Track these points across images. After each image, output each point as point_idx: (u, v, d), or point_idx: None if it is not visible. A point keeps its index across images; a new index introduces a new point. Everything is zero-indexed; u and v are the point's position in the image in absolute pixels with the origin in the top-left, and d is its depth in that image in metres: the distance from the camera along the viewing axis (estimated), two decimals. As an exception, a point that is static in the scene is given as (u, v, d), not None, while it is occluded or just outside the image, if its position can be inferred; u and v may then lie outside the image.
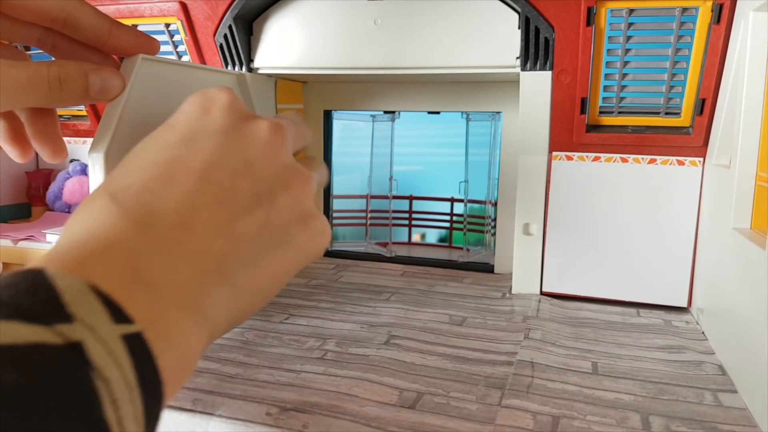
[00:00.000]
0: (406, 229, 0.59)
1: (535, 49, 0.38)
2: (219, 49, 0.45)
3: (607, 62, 0.38)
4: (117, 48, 0.28)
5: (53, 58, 0.28)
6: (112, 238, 0.18)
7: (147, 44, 0.29)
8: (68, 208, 0.60)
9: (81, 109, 0.57)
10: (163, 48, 0.48)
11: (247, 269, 0.21)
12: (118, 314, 0.15)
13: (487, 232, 0.54)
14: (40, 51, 0.28)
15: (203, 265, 0.19)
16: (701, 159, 0.39)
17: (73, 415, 0.12)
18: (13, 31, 0.26)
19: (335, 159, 0.56)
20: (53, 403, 0.12)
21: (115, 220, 0.18)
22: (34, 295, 0.14)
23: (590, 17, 0.36)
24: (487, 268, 0.51)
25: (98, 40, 0.28)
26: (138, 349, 0.15)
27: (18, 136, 0.29)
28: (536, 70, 0.39)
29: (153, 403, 0.16)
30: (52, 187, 0.61)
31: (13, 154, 0.29)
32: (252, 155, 0.22)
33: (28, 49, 0.44)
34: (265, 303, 0.23)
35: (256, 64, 0.45)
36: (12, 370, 0.12)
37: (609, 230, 0.41)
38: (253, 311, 0.22)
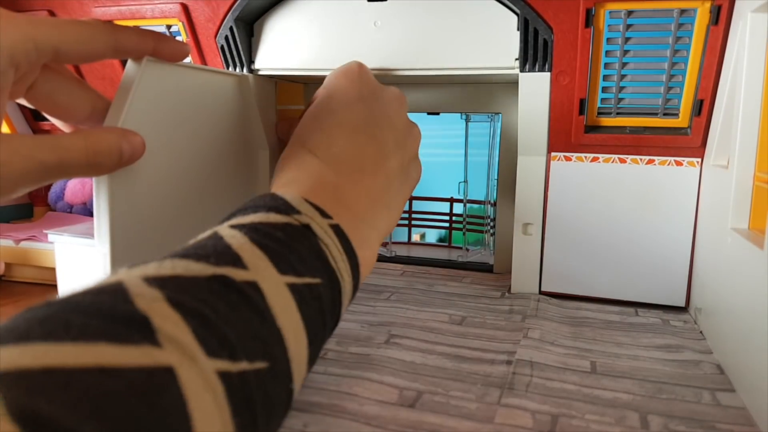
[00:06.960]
0: (406, 229, 0.59)
1: (534, 51, 0.39)
2: (220, 50, 0.45)
3: (605, 63, 0.38)
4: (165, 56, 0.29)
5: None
6: (318, 177, 0.26)
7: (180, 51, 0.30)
8: (70, 209, 0.60)
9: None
10: (164, 49, 0.49)
11: (397, 197, 0.30)
12: (325, 215, 0.23)
13: (486, 232, 0.54)
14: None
15: (374, 195, 0.27)
16: (699, 159, 0.39)
17: (316, 261, 0.21)
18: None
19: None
20: (304, 253, 0.21)
21: (318, 167, 0.26)
22: (276, 201, 0.22)
23: (589, 18, 0.37)
24: (487, 268, 0.51)
25: (144, 56, 0.28)
26: (340, 233, 0.23)
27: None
28: (535, 71, 0.39)
29: (355, 271, 0.24)
30: (54, 188, 0.61)
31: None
32: (391, 112, 0.31)
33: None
34: (398, 220, 0.32)
35: (257, 65, 0.45)
36: (280, 233, 0.21)
37: (607, 230, 0.42)
38: (394, 226, 0.31)
